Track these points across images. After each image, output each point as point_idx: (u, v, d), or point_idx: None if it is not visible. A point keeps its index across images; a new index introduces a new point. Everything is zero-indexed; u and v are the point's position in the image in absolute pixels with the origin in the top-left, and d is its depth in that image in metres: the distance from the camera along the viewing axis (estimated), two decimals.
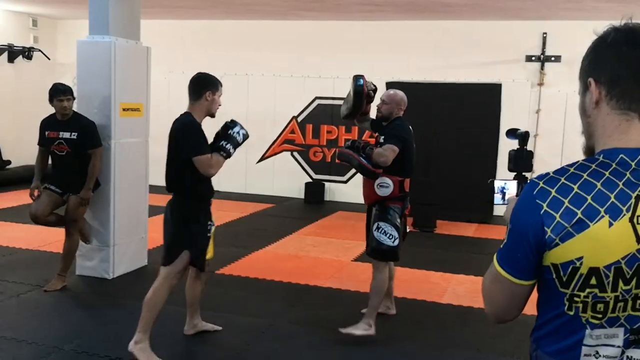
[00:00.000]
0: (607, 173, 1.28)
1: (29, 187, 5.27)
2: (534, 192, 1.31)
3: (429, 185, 8.85)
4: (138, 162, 5.80)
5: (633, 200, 1.25)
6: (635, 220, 1.25)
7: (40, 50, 11.01)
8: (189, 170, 3.79)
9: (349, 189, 10.23)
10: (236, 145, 3.90)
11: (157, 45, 10.69)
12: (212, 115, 3.97)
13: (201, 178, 3.84)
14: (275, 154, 10.71)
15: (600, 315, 1.30)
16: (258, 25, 10.48)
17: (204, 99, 3.85)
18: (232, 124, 3.96)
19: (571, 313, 1.32)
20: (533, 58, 9.21)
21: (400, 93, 4.55)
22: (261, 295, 5.30)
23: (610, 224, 1.24)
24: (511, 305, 1.43)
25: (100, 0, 5.49)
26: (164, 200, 9.00)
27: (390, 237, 4.29)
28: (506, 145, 9.35)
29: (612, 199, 1.25)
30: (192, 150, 3.74)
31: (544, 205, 1.28)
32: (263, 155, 10.66)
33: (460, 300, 5.33)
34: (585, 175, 1.29)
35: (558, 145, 9.22)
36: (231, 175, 10.63)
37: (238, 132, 3.92)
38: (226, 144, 3.85)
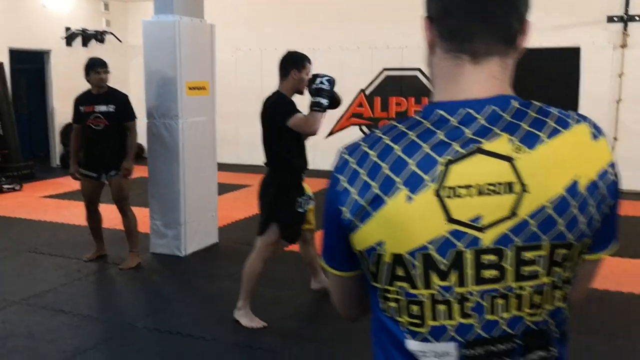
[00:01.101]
0: (412, 134, 0.99)
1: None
2: (336, 165, 1.05)
3: None
4: (205, 141, 5.82)
5: (441, 167, 0.95)
6: (443, 192, 0.95)
7: (112, 34, 11.27)
8: (281, 144, 3.90)
9: None
10: (327, 93, 3.88)
11: (223, 24, 10.72)
12: (301, 92, 4.00)
13: (293, 152, 3.96)
14: (343, 128, 10.60)
15: (418, 321, 1.00)
16: None
17: (290, 77, 3.92)
18: (313, 77, 3.94)
19: (387, 315, 1.04)
20: (615, 18, 8.64)
21: None
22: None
23: (409, 198, 0.95)
24: (345, 301, 1.18)
25: None
26: (233, 178, 9.14)
27: None
28: (587, 112, 8.85)
29: (413, 167, 0.96)
30: (285, 116, 3.81)
31: (342, 179, 1.02)
32: (331, 130, 10.56)
33: None
34: (387, 140, 1.00)
35: None
36: None
37: (322, 82, 3.88)
38: (315, 98, 3.86)
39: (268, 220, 3.99)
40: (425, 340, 1.01)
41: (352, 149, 1.05)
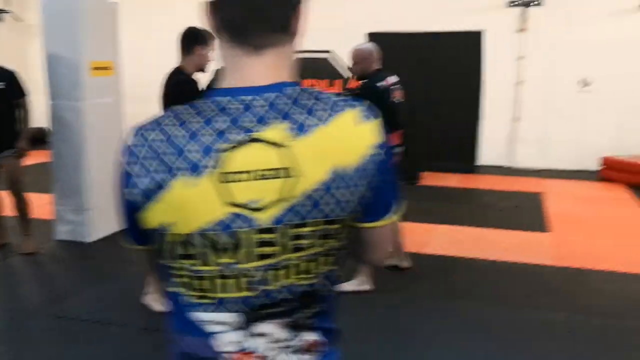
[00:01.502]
0: (198, 120, 1.03)
1: None
2: (124, 147, 1.07)
3: (412, 137, 8.75)
4: (111, 123, 5.64)
5: (222, 152, 1.01)
6: (223, 177, 1.01)
7: (11, 12, 10.69)
8: None
9: None
10: None
11: (135, 3, 10.41)
12: (203, 70, 3.93)
13: None
14: None
15: (204, 294, 1.08)
16: None
17: (194, 53, 3.81)
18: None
19: (175, 290, 1.12)
20: (515, 2, 9.02)
21: (366, 47, 4.38)
22: None
23: (191, 182, 1.01)
24: (149, 269, 1.25)
25: None
26: None
27: None
28: (490, 94, 9.28)
29: (195, 152, 1.01)
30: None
31: (129, 161, 1.05)
32: None
33: (442, 250, 5.30)
34: (174, 124, 1.04)
35: (543, 92, 9.12)
36: None
37: None
38: None
39: None
40: (211, 310, 1.09)
41: (139, 131, 1.06)
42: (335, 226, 1.08)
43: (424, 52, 9.20)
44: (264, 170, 1.02)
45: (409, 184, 8.20)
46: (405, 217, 6.29)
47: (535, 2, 8.90)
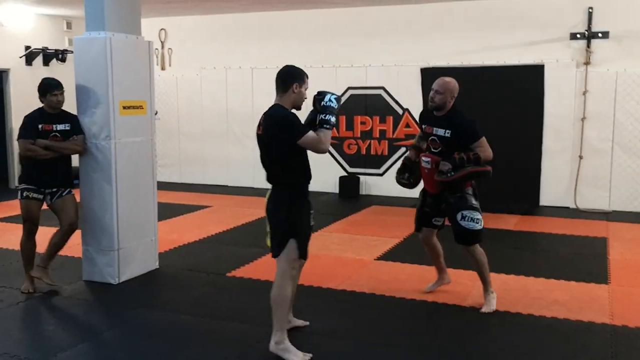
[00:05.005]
0: None
1: None
2: None
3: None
4: (142, 162, 5.55)
5: None
6: None
7: (73, 52, 11.02)
8: (290, 160, 3.81)
9: (385, 182, 9.77)
10: (333, 111, 3.84)
11: (188, 43, 10.56)
12: (298, 108, 3.92)
13: (298, 167, 3.86)
14: None
15: None
16: (286, 16, 10.15)
17: (291, 91, 3.83)
18: (320, 95, 3.87)
19: None
20: (578, 35, 8.50)
21: (453, 81, 4.55)
22: (267, 301, 4.97)
23: None
24: None
25: None
26: (195, 198, 8.87)
27: (477, 221, 4.56)
28: (551, 130, 8.74)
29: None
30: (297, 134, 3.69)
31: None
32: None
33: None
34: None
35: (608, 128, 8.51)
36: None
37: (330, 99, 3.85)
38: (325, 116, 3.80)
39: (286, 237, 3.82)
40: None
41: None
42: None
43: (482, 87, 8.76)
44: None
45: None
46: (450, 265, 5.87)
47: (600, 35, 8.35)
